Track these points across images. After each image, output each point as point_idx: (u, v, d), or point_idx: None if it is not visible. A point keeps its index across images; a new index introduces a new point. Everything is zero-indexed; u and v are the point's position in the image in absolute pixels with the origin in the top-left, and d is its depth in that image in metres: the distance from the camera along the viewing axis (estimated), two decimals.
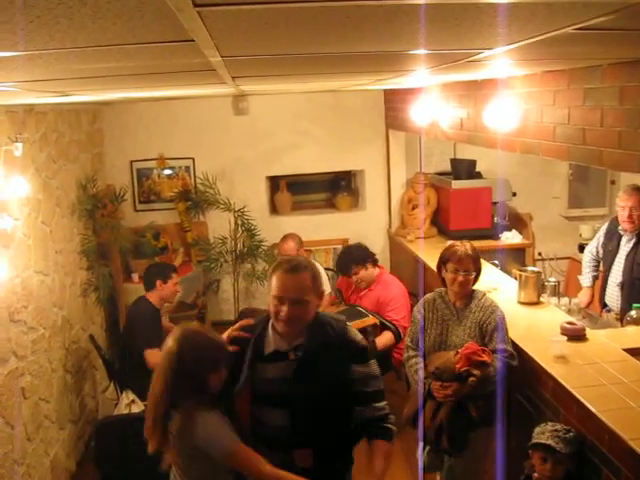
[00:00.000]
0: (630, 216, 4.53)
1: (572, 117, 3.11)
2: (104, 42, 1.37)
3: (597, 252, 5.03)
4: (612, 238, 4.79)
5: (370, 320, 4.96)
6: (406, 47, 1.88)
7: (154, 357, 4.71)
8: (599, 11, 1.30)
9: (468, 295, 3.72)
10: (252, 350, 2.64)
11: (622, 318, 4.41)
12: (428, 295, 3.97)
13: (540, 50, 2.07)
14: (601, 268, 5.05)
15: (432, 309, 3.83)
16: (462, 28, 1.51)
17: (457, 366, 3.49)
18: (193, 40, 1.38)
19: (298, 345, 2.63)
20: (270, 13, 1.19)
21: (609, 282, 4.77)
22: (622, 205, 4.59)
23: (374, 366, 2.74)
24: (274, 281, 2.56)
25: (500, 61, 2.53)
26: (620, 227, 4.69)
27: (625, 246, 4.64)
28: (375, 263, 5.44)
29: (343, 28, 1.43)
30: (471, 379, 3.47)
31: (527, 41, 1.73)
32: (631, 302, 4.40)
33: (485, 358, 3.46)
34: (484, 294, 3.78)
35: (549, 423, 3.12)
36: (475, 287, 3.82)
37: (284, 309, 2.52)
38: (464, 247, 3.79)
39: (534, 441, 3.05)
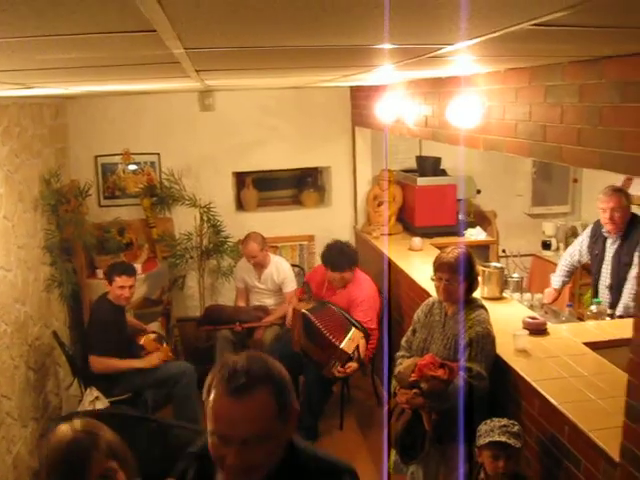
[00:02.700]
0: (612, 217, 4.54)
1: (533, 114, 3.16)
2: (64, 31, 1.36)
3: (579, 256, 5.01)
4: (597, 241, 4.80)
5: (357, 335, 5.02)
6: (368, 41, 1.90)
7: (98, 363, 4.75)
8: (554, 7, 1.33)
9: (459, 304, 3.62)
10: None
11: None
12: (430, 299, 3.97)
13: (500, 46, 2.10)
14: (588, 273, 5.01)
15: (427, 313, 3.83)
16: (422, 22, 1.53)
17: (412, 375, 3.49)
18: (155, 30, 1.37)
19: None
20: (231, 3, 1.19)
21: (599, 285, 4.77)
22: (603, 207, 4.59)
23: None
24: (211, 405, 1.61)
25: (462, 57, 2.56)
26: (604, 229, 4.70)
27: (610, 248, 4.67)
28: (354, 268, 5.50)
29: (305, 19, 1.44)
30: (414, 391, 3.46)
31: (486, 36, 1.75)
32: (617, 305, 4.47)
33: (437, 373, 3.38)
34: (479, 307, 3.68)
35: (494, 419, 3.10)
36: (478, 297, 3.82)
37: (231, 454, 1.58)
38: (448, 255, 3.67)
39: (487, 440, 3.03)
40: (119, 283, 4.89)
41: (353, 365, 4.98)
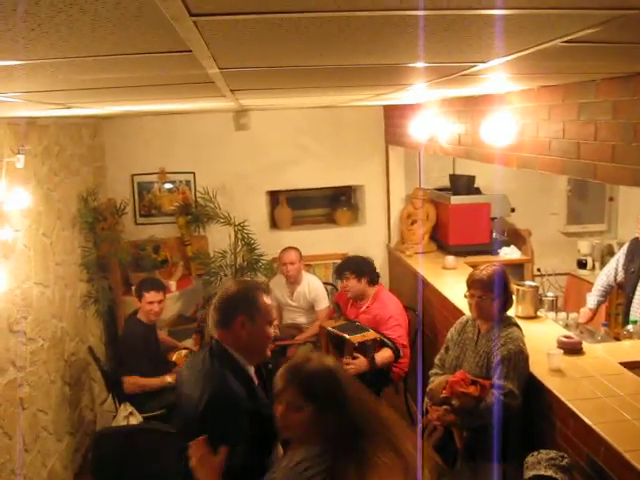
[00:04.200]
0: None
1: (567, 131, 3.15)
2: (103, 52, 1.41)
3: (615, 275, 4.95)
4: (634, 259, 4.73)
5: (371, 334, 4.98)
6: (401, 60, 1.92)
7: (130, 385, 4.78)
8: (585, 23, 1.34)
9: (492, 322, 3.62)
10: None
11: None
12: (463, 317, 3.97)
13: (532, 64, 2.11)
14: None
15: (461, 331, 3.83)
16: (453, 40, 1.55)
17: (443, 392, 3.47)
18: (190, 50, 1.41)
19: None
20: (264, 23, 1.22)
21: (633, 304, 4.69)
22: None
23: None
24: None
25: (494, 75, 2.57)
26: None
27: None
28: (373, 282, 5.46)
29: (336, 39, 1.46)
30: (445, 407, 3.44)
31: (518, 54, 1.76)
32: None
33: (468, 390, 3.38)
34: (512, 325, 3.66)
35: (542, 451, 3.02)
36: (512, 315, 3.79)
37: None
38: (481, 272, 3.67)
39: (532, 473, 2.94)
40: (148, 299, 4.95)
41: (360, 358, 4.88)
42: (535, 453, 3.03)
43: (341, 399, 2.19)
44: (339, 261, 7.02)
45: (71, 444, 4.77)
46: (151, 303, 4.96)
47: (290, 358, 5.75)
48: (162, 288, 5.09)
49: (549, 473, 2.90)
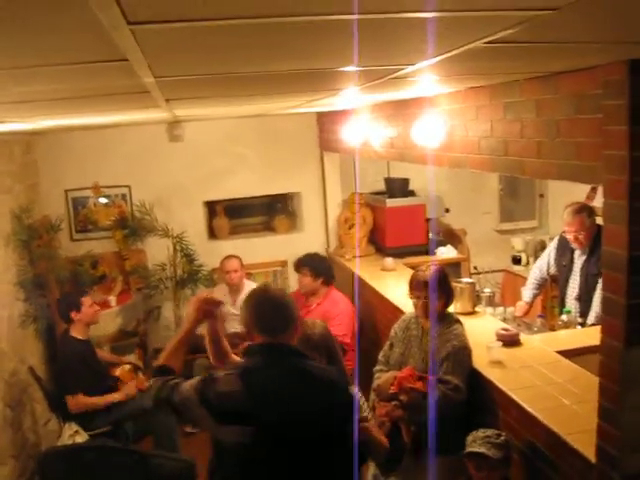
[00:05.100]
0: (576, 238, 4.61)
1: (495, 130, 3.26)
2: (37, 62, 1.42)
3: (548, 268, 5.09)
4: (565, 253, 4.85)
5: None
6: (333, 64, 1.98)
7: (75, 405, 4.70)
8: (503, 24, 1.41)
9: (436, 318, 3.69)
10: None
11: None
12: (406, 314, 4.04)
13: (458, 65, 2.20)
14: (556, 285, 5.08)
15: (405, 328, 3.89)
16: (382, 43, 1.61)
17: (391, 388, 3.55)
18: (127, 59, 1.43)
19: None
20: (200, 31, 1.26)
21: (567, 296, 4.83)
22: (567, 229, 4.68)
23: None
24: None
25: (422, 77, 2.65)
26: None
27: (578, 260, 4.72)
28: (327, 283, 5.56)
29: (271, 45, 1.51)
30: (393, 403, 3.52)
31: (444, 55, 1.84)
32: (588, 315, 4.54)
33: (416, 385, 3.46)
34: (455, 322, 3.76)
35: (480, 430, 3.13)
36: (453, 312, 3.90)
37: None
38: (424, 274, 3.75)
39: (467, 450, 3.07)
40: (89, 302, 4.91)
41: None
42: (474, 432, 3.13)
43: None
44: (279, 268, 7.10)
45: (15, 468, 4.66)
46: (92, 306, 4.93)
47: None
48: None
49: (482, 450, 3.00)
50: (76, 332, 4.87)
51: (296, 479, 2.49)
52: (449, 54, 1.80)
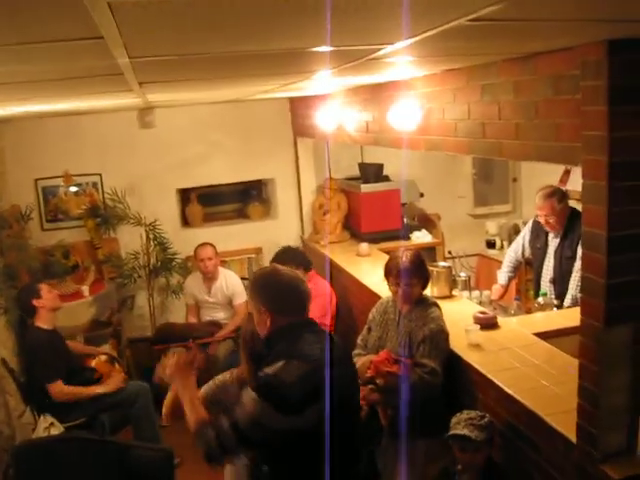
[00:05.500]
0: (547, 222, 4.63)
1: (472, 112, 3.25)
2: (11, 41, 1.36)
3: (522, 251, 5.10)
4: (539, 235, 4.87)
5: None
6: (308, 43, 1.94)
7: (59, 392, 4.64)
8: (487, 0, 1.39)
9: (413, 302, 3.71)
10: None
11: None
12: (383, 298, 4.03)
13: (438, 45, 2.17)
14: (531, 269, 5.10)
15: (382, 312, 3.88)
16: (362, 21, 1.57)
17: (368, 372, 3.54)
18: (102, 37, 1.38)
19: None
20: (178, 6, 1.21)
21: (542, 279, 4.85)
22: (538, 212, 4.71)
23: None
24: None
25: (400, 58, 2.62)
26: None
27: (552, 242, 4.74)
28: (306, 270, 5.53)
29: (249, 23, 1.47)
30: (370, 387, 3.52)
31: (425, 34, 1.81)
32: (564, 297, 4.57)
33: (392, 369, 3.45)
34: (432, 305, 3.75)
35: (464, 412, 3.15)
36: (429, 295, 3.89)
37: None
38: (403, 260, 3.72)
39: (450, 432, 3.09)
40: (46, 288, 4.85)
41: None
42: (458, 414, 3.15)
43: None
44: (254, 255, 7.05)
45: None
46: (50, 292, 4.86)
47: (211, 355, 5.76)
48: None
49: (464, 432, 3.02)
50: (41, 322, 4.80)
51: (343, 444, 2.55)
52: (431, 32, 1.77)
